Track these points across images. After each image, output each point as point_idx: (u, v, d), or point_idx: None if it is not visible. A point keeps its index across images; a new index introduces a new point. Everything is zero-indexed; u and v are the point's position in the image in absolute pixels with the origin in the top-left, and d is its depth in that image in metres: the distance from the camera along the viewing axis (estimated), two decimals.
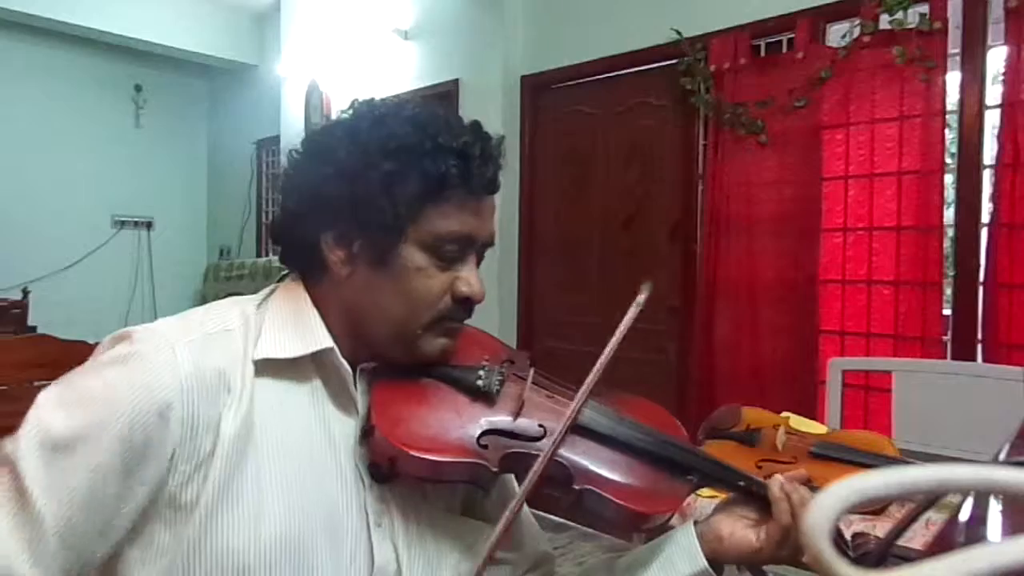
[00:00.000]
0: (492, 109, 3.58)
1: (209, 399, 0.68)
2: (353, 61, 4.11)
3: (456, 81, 3.75)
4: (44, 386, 0.68)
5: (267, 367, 0.73)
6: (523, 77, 3.60)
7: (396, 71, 3.95)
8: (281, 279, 0.83)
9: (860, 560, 0.77)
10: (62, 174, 5.14)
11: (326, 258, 0.76)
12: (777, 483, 0.78)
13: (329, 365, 0.75)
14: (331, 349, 0.75)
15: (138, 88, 5.52)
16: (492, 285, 3.53)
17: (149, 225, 5.59)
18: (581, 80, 3.41)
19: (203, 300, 5.42)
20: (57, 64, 5.11)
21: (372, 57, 4.07)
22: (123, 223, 5.47)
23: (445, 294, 0.77)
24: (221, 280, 5.49)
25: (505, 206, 3.58)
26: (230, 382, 0.70)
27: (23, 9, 4.39)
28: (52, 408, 0.66)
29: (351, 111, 0.80)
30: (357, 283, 0.76)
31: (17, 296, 4.54)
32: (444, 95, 3.75)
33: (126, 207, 5.47)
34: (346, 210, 0.74)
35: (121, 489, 0.65)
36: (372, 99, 0.81)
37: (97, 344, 0.73)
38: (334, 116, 0.83)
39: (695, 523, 0.82)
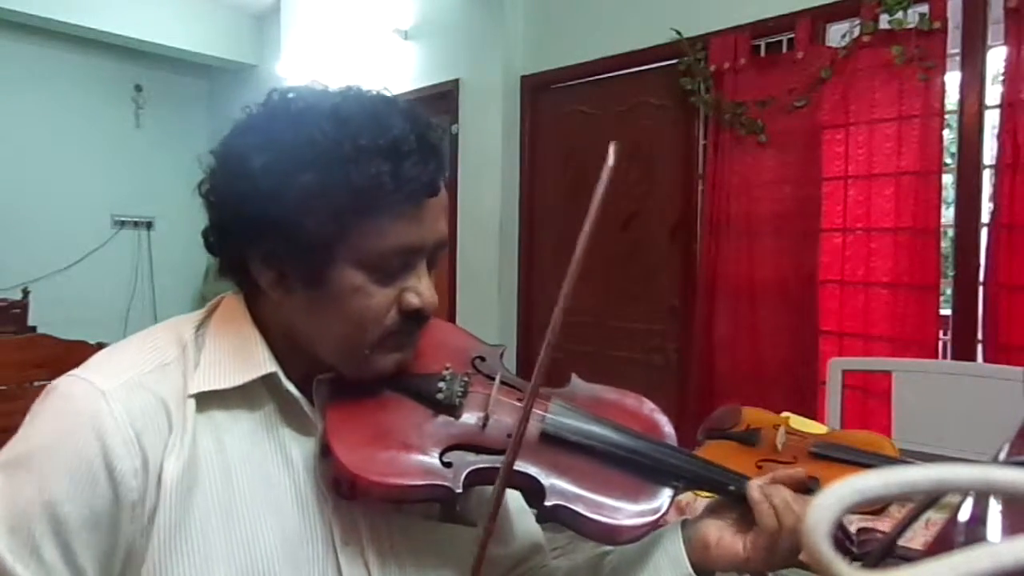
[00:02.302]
0: (492, 109, 3.58)
1: (152, 442, 0.64)
2: (353, 61, 4.11)
3: (456, 81, 3.75)
4: (44, 386, 0.68)
5: (210, 399, 0.67)
6: (523, 77, 3.60)
7: (396, 71, 3.95)
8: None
9: (864, 556, 0.76)
10: (62, 174, 5.14)
11: (257, 279, 0.69)
12: (755, 487, 0.73)
13: (280, 387, 0.70)
14: (274, 374, 0.69)
15: (138, 88, 5.52)
16: (492, 285, 3.53)
17: (149, 225, 5.59)
18: (581, 80, 3.41)
19: (203, 300, 5.41)
20: (57, 64, 5.10)
21: (372, 57, 4.07)
22: (123, 223, 5.47)
23: (390, 309, 0.69)
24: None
25: (505, 206, 3.59)
26: (171, 421, 0.65)
27: (23, 9, 4.39)
28: (2, 488, 0.62)
29: (265, 105, 0.70)
30: (294, 305, 0.69)
31: (17, 296, 4.53)
32: (444, 95, 3.75)
33: (126, 207, 5.46)
34: (268, 230, 0.65)
35: (100, 553, 0.62)
36: (289, 89, 0.71)
37: (97, 345, 0.73)
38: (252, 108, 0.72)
39: (684, 523, 0.77)
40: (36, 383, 1.31)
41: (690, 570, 0.74)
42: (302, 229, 0.64)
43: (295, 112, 0.68)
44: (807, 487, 0.76)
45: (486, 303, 3.55)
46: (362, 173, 0.63)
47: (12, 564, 0.60)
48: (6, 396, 1.28)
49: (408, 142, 0.65)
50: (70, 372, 0.68)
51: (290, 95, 0.70)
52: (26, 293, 4.57)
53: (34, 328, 4.13)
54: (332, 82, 0.74)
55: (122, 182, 5.43)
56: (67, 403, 0.64)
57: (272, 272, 0.68)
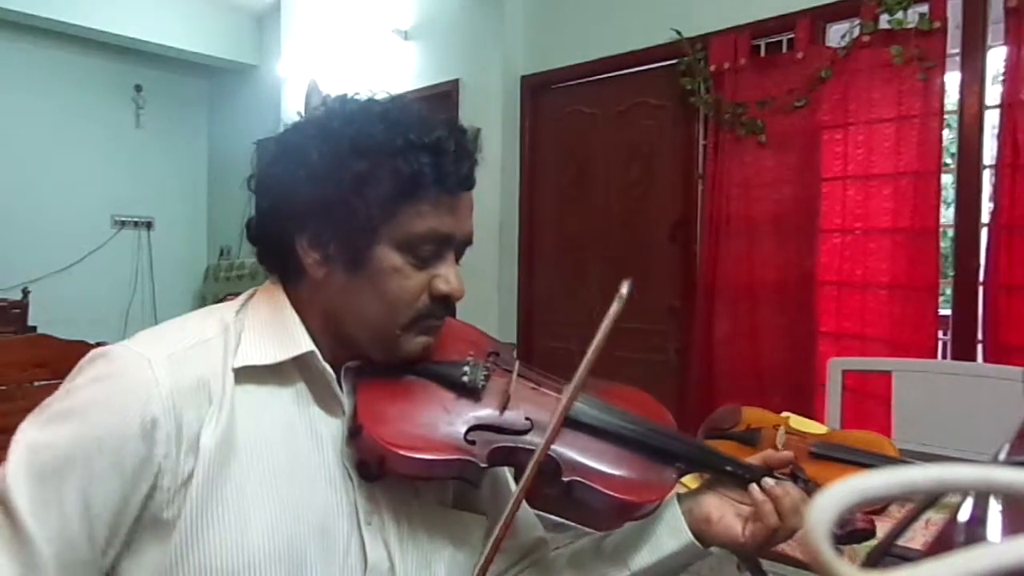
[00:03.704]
0: (492, 109, 3.58)
1: (190, 413, 0.67)
2: (353, 61, 4.10)
3: (456, 81, 3.74)
4: (44, 386, 0.68)
5: (248, 374, 0.72)
6: (523, 77, 3.60)
7: (396, 71, 3.95)
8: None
9: (847, 537, 0.79)
10: (62, 174, 5.14)
11: (302, 260, 0.75)
12: (756, 489, 0.79)
13: (312, 367, 0.75)
14: (312, 353, 0.74)
15: (138, 88, 5.52)
16: (492, 285, 3.53)
17: (149, 225, 5.58)
18: (581, 80, 3.41)
19: (203, 300, 5.44)
20: (57, 64, 5.10)
21: (372, 57, 4.07)
22: (123, 223, 5.47)
23: (423, 293, 0.75)
24: (221, 280, 5.49)
25: (505, 206, 3.59)
26: (210, 393, 0.69)
27: (23, 9, 4.39)
28: (36, 436, 0.65)
29: (323, 107, 0.78)
30: (334, 285, 0.75)
31: (17, 296, 4.53)
32: (444, 95, 3.75)
33: (126, 207, 5.46)
34: (319, 212, 0.73)
35: (114, 509, 0.65)
36: (344, 95, 0.79)
37: (97, 345, 0.73)
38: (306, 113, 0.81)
39: (679, 497, 0.83)
40: (36, 383, 1.31)
41: (691, 538, 0.79)
42: (352, 210, 0.71)
43: (350, 112, 0.76)
44: (792, 471, 0.82)
45: (486, 302, 3.55)
46: (408, 164, 0.71)
47: (27, 515, 0.62)
48: (6, 396, 1.27)
49: (448, 143, 0.74)
50: (115, 345, 0.71)
51: (346, 98, 0.78)
52: (26, 293, 4.57)
53: (34, 328, 4.13)
54: (339, 83, 0.79)
55: (122, 182, 5.43)
56: (113, 366, 0.68)
57: (318, 253, 0.74)
